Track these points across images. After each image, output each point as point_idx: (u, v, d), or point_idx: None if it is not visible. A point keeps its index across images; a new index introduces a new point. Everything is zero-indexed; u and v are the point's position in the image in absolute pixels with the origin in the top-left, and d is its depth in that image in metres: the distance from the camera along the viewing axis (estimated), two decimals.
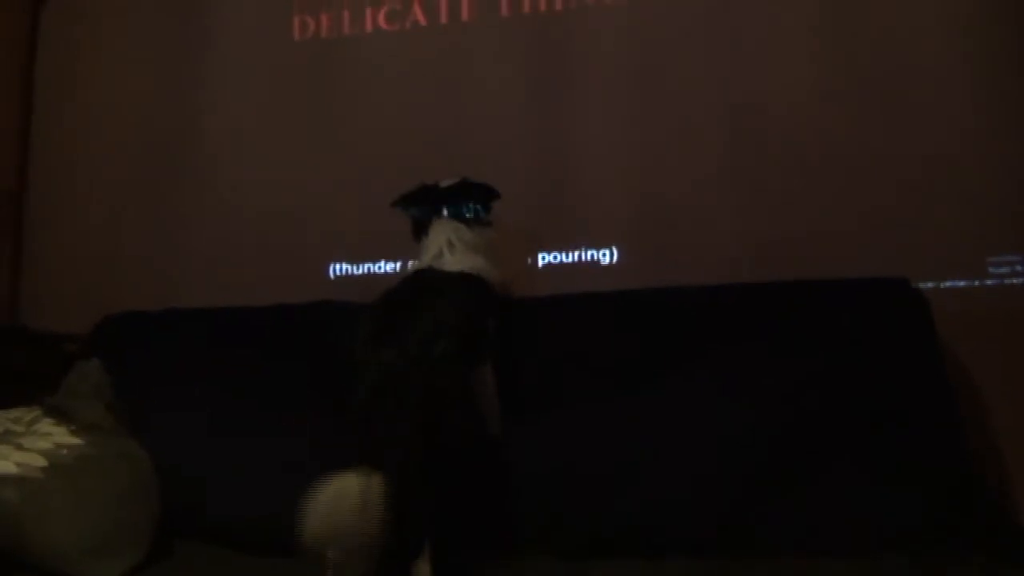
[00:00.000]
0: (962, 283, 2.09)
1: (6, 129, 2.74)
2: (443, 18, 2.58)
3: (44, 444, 1.57)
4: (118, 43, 2.80)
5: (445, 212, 1.89)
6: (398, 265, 2.50)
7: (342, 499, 1.30)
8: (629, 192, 2.33)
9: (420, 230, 1.92)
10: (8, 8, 2.77)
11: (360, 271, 2.55)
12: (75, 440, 1.61)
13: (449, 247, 1.84)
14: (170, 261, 2.64)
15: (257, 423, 1.95)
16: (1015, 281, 2.07)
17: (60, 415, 1.67)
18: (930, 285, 2.03)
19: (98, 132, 2.76)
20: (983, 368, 1.99)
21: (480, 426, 1.61)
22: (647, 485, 1.68)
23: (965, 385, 1.94)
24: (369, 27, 2.63)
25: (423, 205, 1.93)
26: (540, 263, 2.41)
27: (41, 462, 1.52)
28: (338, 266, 2.57)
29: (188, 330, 2.23)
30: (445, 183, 1.93)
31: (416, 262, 1.89)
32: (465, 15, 2.57)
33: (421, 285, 1.77)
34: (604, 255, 2.36)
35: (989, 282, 2.08)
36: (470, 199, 1.91)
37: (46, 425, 1.63)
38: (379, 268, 2.53)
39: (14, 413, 1.68)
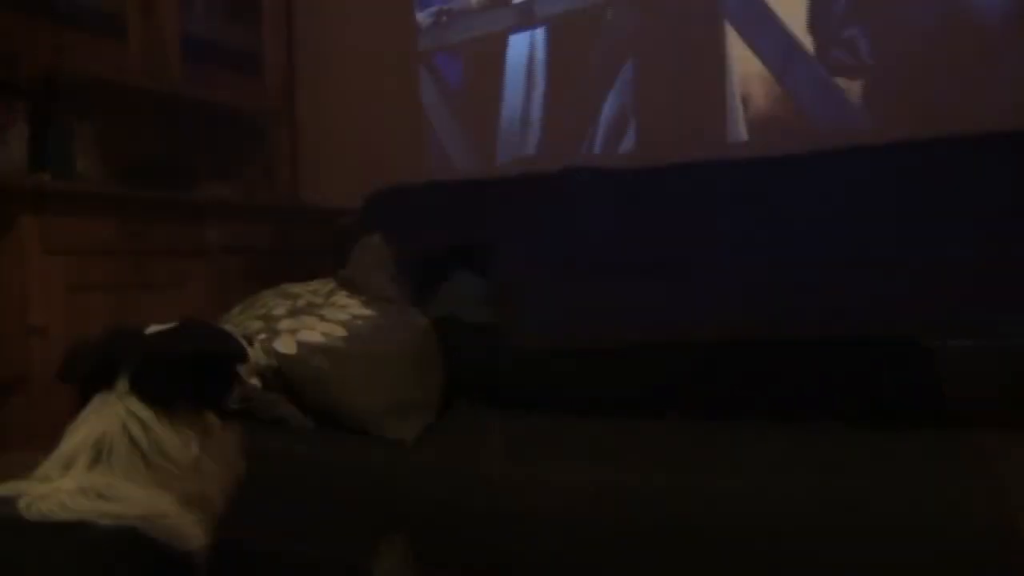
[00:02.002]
0: None
1: (277, 29, 2.90)
2: None
3: (342, 315, 1.69)
4: None
5: None
6: None
7: None
8: None
9: None
10: None
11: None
12: (368, 311, 1.71)
13: None
14: (429, 136, 2.73)
15: (514, 286, 2.02)
16: None
17: (352, 287, 1.78)
18: None
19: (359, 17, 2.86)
20: None
21: None
22: None
23: None
24: None
25: None
26: None
27: (341, 332, 1.65)
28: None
29: (447, 201, 2.32)
30: None
31: None
32: None
33: None
34: None
35: None
36: None
37: (342, 297, 1.76)
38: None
39: (313, 285, 1.82)
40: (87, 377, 1.05)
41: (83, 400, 1.04)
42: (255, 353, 1.29)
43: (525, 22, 2.63)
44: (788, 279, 1.73)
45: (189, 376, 1.05)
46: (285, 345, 1.61)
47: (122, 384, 1.02)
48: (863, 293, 1.63)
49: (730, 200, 1.93)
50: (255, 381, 1.49)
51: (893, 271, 1.62)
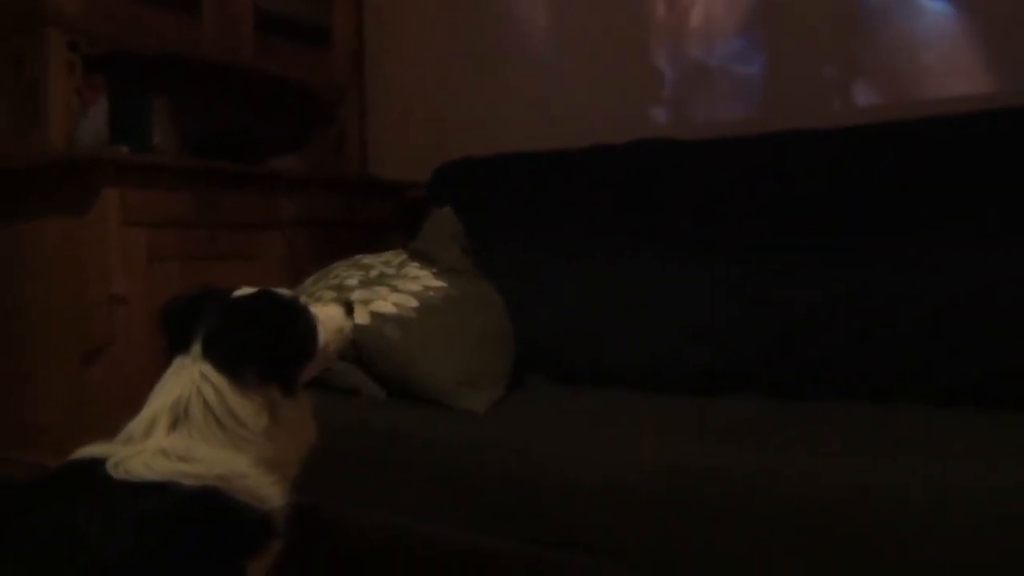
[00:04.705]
0: None
1: (347, 2, 2.90)
2: None
3: (414, 286, 1.69)
4: None
5: None
6: None
7: None
8: None
9: None
10: None
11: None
12: (439, 283, 1.71)
13: None
14: (497, 107, 2.71)
15: (582, 261, 2.00)
16: None
17: (423, 259, 1.78)
18: None
19: None
20: None
21: None
22: None
23: None
24: None
25: None
26: None
27: (413, 303, 1.64)
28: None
29: (516, 173, 2.30)
30: None
31: None
32: None
33: None
34: None
35: None
36: None
37: (413, 269, 1.75)
38: None
39: (384, 256, 1.82)
40: (171, 337, 1.07)
41: (169, 361, 1.06)
42: (354, 319, 1.34)
43: None
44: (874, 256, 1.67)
45: (256, 355, 1.06)
46: (358, 315, 1.61)
47: (196, 348, 1.04)
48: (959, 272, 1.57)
49: (808, 173, 1.87)
50: None
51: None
